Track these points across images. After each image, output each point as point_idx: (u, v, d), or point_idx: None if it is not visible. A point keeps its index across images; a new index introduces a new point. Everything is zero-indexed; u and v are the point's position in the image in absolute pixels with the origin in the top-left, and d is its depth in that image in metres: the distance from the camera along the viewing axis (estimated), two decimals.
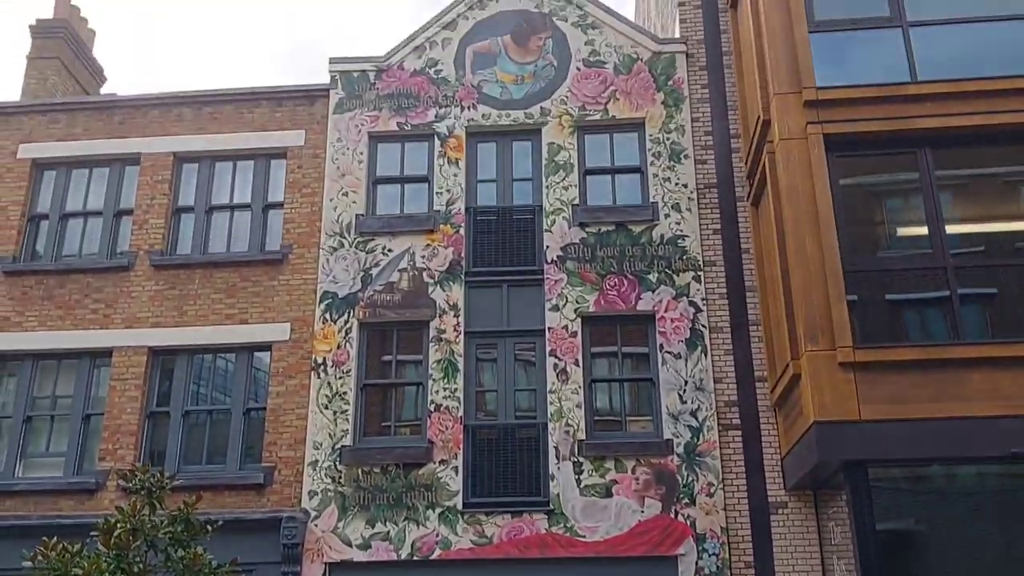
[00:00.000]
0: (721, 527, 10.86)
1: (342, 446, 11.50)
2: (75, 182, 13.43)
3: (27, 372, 12.35)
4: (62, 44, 16.02)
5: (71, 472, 11.77)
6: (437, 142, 12.99)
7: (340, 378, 11.82)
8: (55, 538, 8.62)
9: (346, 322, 12.10)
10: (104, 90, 17.27)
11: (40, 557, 8.42)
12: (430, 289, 12.18)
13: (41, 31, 15.99)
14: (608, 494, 11.08)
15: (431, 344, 11.92)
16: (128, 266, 12.61)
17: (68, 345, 12.31)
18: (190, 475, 11.29)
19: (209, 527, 9.27)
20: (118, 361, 12.13)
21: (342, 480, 11.36)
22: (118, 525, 8.66)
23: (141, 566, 8.64)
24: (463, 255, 12.34)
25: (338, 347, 11.98)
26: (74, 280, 12.63)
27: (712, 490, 11.02)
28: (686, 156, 12.62)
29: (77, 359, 12.35)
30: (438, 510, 11.14)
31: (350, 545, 11.08)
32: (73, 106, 13.74)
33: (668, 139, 12.73)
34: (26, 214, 13.17)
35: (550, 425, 11.42)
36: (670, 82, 13.01)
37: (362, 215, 12.65)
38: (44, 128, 13.57)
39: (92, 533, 8.77)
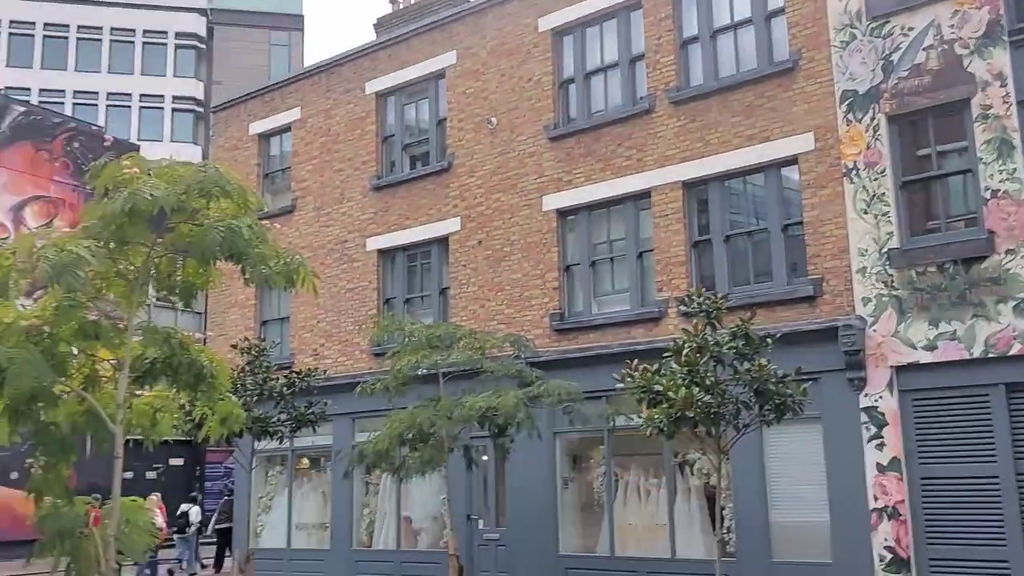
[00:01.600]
0: None
1: (889, 249, 10.98)
2: (589, 41, 14.39)
3: (583, 223, 13.92)
4: None
5: (636, 304, 13.13)
6: None
7: (875, 179, 11.18)
8: (635, 360, 9.90)
9: (872, 119, 11.30)
10: None
11: (628, 378, 9.81)
12: (965, 62, 10.73)
13: None
14: None
15: (976, 124, 10.58)
16: (650, 109, 13.26)
17: (612, 193, 13.50)
18: (740, 295, 11.83)
19: (769, 339, 9.75)
20: (657, 200, 13.01)
21: (895, 283, 10.90)
22: (686, 345, 9.62)
23: (713, 379, 9.50)
24: (1002, 12, 10.57)
25: (867, 147, 11.28)
26: (606, 133, 13.70)
27: None
28: None
29: (622, 204, 13.55)
30: (1011, 303, 10.12)
31: (914, 347, 10.70)
32: None
33: None
34: (556, 82, 14.52)
35: None
36: None
37: None
38: None
39: (664, 354, 9.85)
